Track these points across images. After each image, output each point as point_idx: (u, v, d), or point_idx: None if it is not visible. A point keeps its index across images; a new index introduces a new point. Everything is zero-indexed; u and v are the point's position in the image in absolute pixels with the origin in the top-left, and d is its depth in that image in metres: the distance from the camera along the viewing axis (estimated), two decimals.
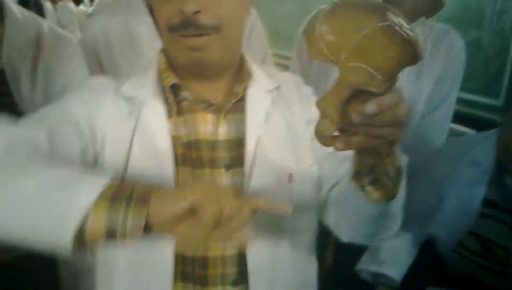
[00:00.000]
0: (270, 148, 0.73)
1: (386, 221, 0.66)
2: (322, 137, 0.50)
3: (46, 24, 1.10)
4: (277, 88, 0.79)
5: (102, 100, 0.72)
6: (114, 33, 1.20)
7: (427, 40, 1.25)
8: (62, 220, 0.49)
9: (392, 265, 1.13)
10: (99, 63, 1.22)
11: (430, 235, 1.18)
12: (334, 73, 0.48)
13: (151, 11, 1.11)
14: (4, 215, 0.51)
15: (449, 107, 1.29)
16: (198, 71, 0.72)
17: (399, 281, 1.12)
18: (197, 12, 0.64)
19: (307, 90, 0.83)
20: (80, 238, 0.49)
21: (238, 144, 0.72)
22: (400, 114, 0.47)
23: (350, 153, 0.58)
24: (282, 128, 0.76)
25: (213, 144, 0.72)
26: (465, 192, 1.11)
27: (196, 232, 0.51)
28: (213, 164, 0.71)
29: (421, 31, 1.25)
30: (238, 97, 0.74)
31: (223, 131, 0.72)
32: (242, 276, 0.70)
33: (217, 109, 0.73)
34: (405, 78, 1.24)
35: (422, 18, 1.26)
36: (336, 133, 0.50)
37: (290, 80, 0.84)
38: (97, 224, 0.49)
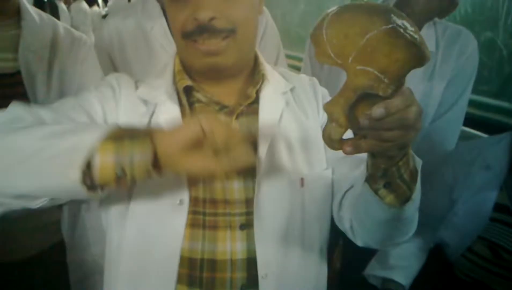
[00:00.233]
0: (282, 151, 0.73)
1: (401, 225, 0.65)
2: (330, 141, 0.50)
3: (61, 25, 1.12)
4: (292, 90, 0.78)
5: (119, 97, 0.73)
6: (128, 35, 1.21)
7: (440, 41, 1.24)
8: (69, 157, 0.51)
9: (401, 270, 1.12)
10: (113, 65, 1.24)
11: (440, 240, 1.17)
12: (345, 76, 0.48)
13: (166, 14, 1.13)
14: (15, 167, 0.54)
15: (461, 110, 1.28)
16: (212, 74, 0.72)
17: (408, 287, 1.11)
18: (212, 18, 0.65)
19: (323, 92, 0.82)
20: (91, 180, 0.52)
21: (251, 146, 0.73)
22: (410, 117, 0.46)
23: (365, 156, 0.58)
24: (295, 131, 0.75)
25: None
26: (477, 196, 1.10)
27: (204, 163, 0.52)
28: None
29: (434, 32, 1.24)
30: (251, 100, 0.74)
31: None
32: (251, 281, 0.70)
33: (230, 111, 0.73)
34: (417, 80, 1.23)
35: (435, 19, 1.25)
36: (344, 137, 0.50)
37: (305, 81, 0.83)
38: (105, 162, 0.51)
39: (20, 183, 0.55)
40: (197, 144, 0.51)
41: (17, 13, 1.04)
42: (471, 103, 1.32)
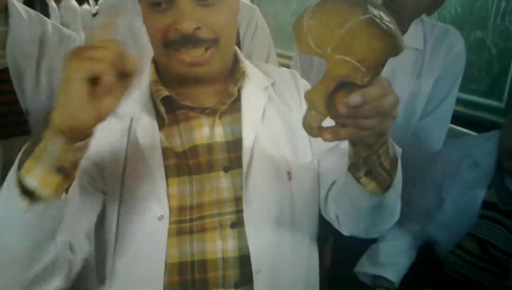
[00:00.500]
0: (268, 146, 0.73)
1: (384, 213, 0.66)
2: (310, 128, 0.52)
3: (50, 23, 1.11)
4: (273, 84, 0.78)
5: None
6: (118, 34, 1.20)
7: (428, 39, 1.25)
8: (13, 200, 0.52)
9: (391, 267, 1.13)
10: None
11: (429, 237, 1.18)
12: None
13: None
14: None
15: (449, 107, 1.28)
16: (194, 82, 0.71)
17: (398, 284, 1.12)
18: (196, 28, 0.64)
19: (305, 84, 0.82)
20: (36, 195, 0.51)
21: (235, 145, 0.72)
22: (386, 105, 0.48)
23: (347, 148, 0.60)
24: (279, 126, 0.75)
25: (210, 148, 0.71)
26: (465, 194, 1.11)
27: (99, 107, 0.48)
28: (211, 167, 0.71)
29: (421, 30, 1.25)
30: (234, 98, 0.73)
31: (220, 133, 0.72)
32: (244, 278, 0.70)
33: (212, 112, 0.72)
34: (405, 78, 1.24)
35: (423, 17, 1.26)
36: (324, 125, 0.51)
37: (286, 75, 0.83)
38: (38, 175, 0.51)
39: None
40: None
41: (4, 10, 1.03)
42: (461, 101, 1.32)
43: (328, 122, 0.51)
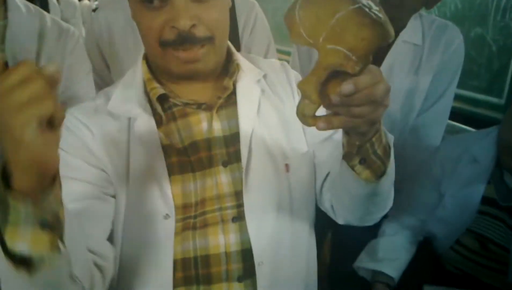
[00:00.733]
0: (264, 139, 0.73)
1: (378, 200, 0.67)
2: (303, 117, 0.53)
3: (49, 17, 1.11)
4: (264, 76, 0.78)
5: (87, 138, 0.69)
6: (118, 27, 1.20)
7: (426, 34, 1.25)
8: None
9: (390, 263, 1.13)
10: (102, 57, 1.23)
11: (428, 233, 1.18)
12: None
13: None
14: None
15: (447, 103, 1.28)
16: (189, 78, 0.71)
17: (397, 279, 1.13)
18: (192, 26, 0.63)
19: (296, 75, 0.82)
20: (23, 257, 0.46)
21: (232, 139, 0.72)
22: (377, 93, 0.49)
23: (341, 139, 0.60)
24: (274, 118, 0.76)
25: (209, 142, 0.71)
26: (464, 190, 1.11)
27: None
28: (210, 162, 0.71)
29: (420, 25, 1.25)
30: (229, 92, 0.73)
31: (218, 127, 0.72)
32: (247, 271, 0.71)
33: (209, 107, 0.72)
34: (404, 73, 1.24)
35: (422, 12, 1.25)
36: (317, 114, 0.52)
37: (277, 67, 0.83)
38: (26, 237, 0.45)
39: None
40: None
41: (3, 4, 1.02)
42: (461, 98, 1.32)
43: (321, 111, 0.52)
